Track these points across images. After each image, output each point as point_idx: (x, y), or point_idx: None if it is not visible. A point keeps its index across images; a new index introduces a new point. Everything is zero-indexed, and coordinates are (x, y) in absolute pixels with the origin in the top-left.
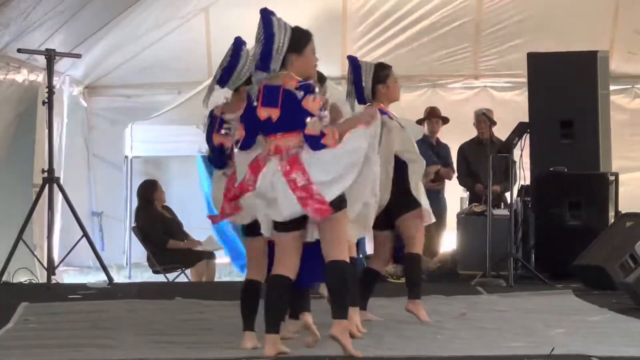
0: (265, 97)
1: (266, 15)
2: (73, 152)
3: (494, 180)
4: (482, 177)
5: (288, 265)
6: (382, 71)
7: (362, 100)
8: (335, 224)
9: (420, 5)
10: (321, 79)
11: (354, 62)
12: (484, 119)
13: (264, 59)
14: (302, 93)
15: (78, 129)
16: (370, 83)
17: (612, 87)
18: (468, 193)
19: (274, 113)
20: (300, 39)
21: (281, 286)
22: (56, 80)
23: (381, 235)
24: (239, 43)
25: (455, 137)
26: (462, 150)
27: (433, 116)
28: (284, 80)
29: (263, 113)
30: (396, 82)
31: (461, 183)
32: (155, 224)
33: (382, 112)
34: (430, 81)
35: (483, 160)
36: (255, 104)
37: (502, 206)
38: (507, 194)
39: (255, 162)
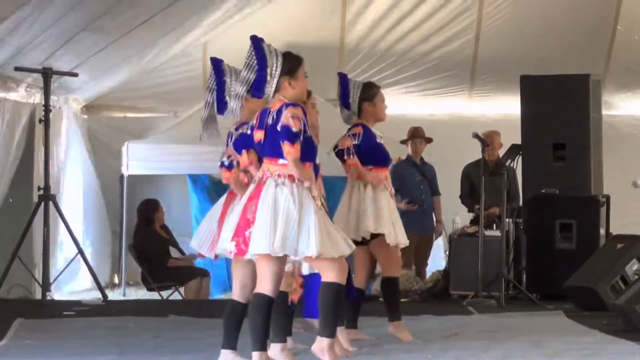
0: (259, 120)
1: (257, 42)
2: (72, 170)
3: (494, 202)
4: (485, 199)
5: (269, 286)
6: (370, 90)
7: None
8: None
9: (419, 42)
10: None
11: (342, 79)
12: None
13: (258, 85)
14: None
15: (76, 147)
16: (357, 100)
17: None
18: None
19: (261, 135)
20: (293, 63)
21: (264, 304)
22: (55, 100)
23: (359, 252)
24: (216, 62)
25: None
26: (466, 170)
27: (416, 136)
28: (274, 103)
29: (256, 135)
30: (383, 101)
31: (463, 202)
32: (154, 243)
33: (366, 128)
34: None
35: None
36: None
37: (495, 227)
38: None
39: (254, 191)
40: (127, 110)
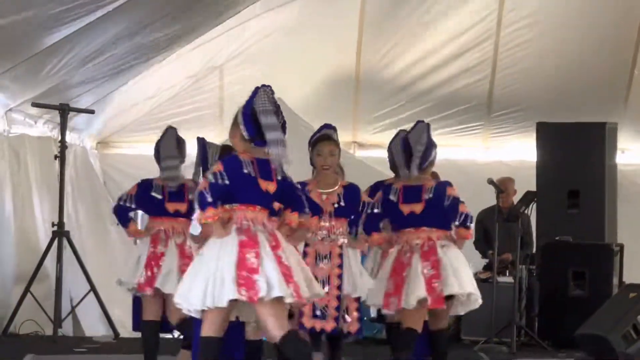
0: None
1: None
2: (90, 207)
3: (508, 249)
4: (498, 245)
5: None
6: None
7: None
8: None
9: (434, 76)
10: None
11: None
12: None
13: None
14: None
15: (91, 184)
16: None
17: None
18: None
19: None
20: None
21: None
22: (73, 137)
23: None
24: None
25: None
26: (480, 216)
27: None
28: None
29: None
30: None
31: (476, 248)
32: None
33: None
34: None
35: (498, 227)
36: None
37: (508, 274)
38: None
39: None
40: (140, 146)
